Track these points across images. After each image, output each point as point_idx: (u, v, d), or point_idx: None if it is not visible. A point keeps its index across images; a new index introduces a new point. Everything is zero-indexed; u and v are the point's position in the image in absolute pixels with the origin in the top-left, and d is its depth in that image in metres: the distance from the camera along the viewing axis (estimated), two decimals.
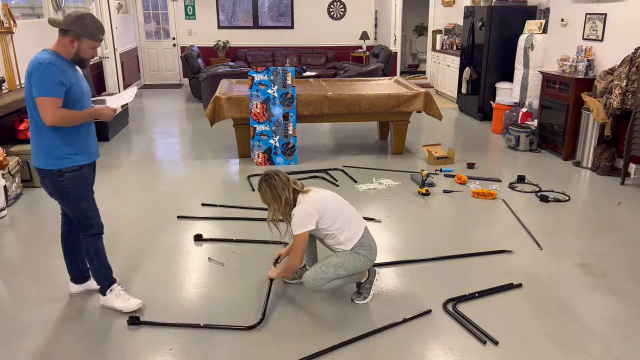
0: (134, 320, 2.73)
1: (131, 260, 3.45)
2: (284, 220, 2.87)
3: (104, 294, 2.88)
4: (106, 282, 2.87)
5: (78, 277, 3.01)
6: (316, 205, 2.77)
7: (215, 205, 4.37)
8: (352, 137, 6.77)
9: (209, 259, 3.45)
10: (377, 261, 3.45)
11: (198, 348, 2.55)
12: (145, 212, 4.28)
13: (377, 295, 3.01)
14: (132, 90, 3.05)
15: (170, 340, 2.61)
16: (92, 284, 3.02)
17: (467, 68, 7.90)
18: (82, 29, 2.53)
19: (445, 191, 4.74)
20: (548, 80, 6.04)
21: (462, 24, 8.32)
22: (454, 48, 9.30)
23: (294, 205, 2.80)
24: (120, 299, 2.85)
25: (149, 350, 2.54)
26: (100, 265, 2.84)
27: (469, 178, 5.03)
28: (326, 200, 2.83)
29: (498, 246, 3.65)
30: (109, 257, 2.88)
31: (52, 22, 2.59)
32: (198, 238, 3.74)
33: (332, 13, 11.33)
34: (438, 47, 9.90)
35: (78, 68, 2.68)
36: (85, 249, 2.82)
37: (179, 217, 4.13)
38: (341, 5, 11.28)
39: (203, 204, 4.38)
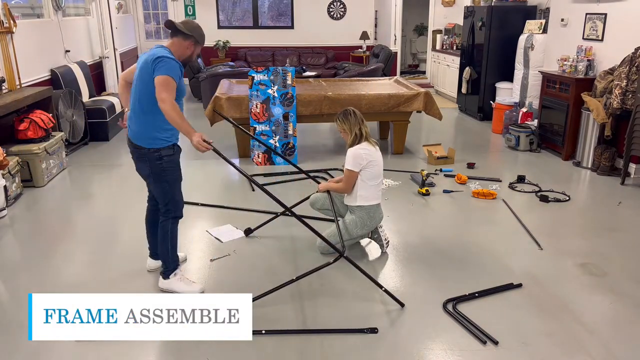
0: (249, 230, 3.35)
1: (131, 260, 3.45)
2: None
3: (166, 277, 3.03)
4: (173, 265, 3.04)
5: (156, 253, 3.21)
6: (369, 155, 3.32)
7: (197, 204, 4.36)
8: None
9: (211, 260, 3.45)
10: (376, 260, 3.46)
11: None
12: (145, 212, 4.26)
13: (378, 295, 3.01)
14: (235, 233, 3.39)
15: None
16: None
17: (467, 68, 7.90)
18: (200, 37, 2.87)
19: (445, 191, 4.74)
20: (548, 80, 6.04)
21: (462, 24, 8.32)
22: (454, 48, 9.30)
23: (357, 144, 3.35)
24: (183, 282, 3.03)
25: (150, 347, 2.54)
26: (172, 248, 3.01)
27: (469, 178, 5.03)
28: (377, 159, 3.37)
29: (498, 246, 3.66)
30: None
31: (169, 25, 2.83)
32: (248, 232, 3.80)
33: (332, 13, 11.32)
34: (438, 47, 9.90)
35: None
36: (162, 231, 2.99)
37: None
38: (341, 5, 11.28)
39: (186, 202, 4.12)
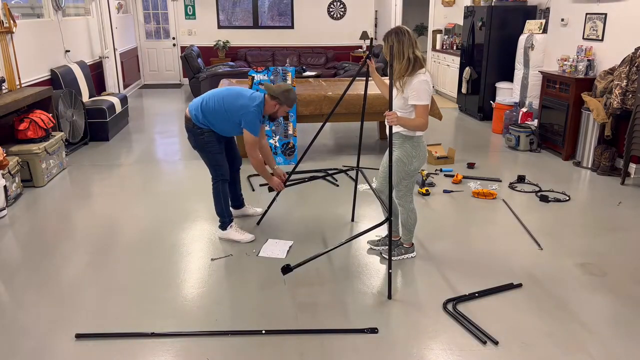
0: (287, 268, 2.93)
1: (131, 260, 3.45)
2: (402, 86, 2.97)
3: (224, 229, 3.67)
4: (228, 218, 3.69)
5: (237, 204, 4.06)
6: (430, 82, 2.93)
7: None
8: (352, 137, 6.77)
9: (212, 259, 3.45)
10: (376, 260, 3.46)
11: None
12: (145, 212, 4.28)
13: (377, 294, 3.01)
14: (284, 247, 3.59)
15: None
16: (247, 209, 4.13)
17: (467, 68, 7.90)
18: (285, 99, 3.44)
19: (445, 191, 4.74)
20: (548, 80, 6.04)
21: (462, 24, 8.32)
22: (454, 48, 9.29)
23: (410, 71, 2.91)
24: (238, 232, 3.67)
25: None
26: (225, 205, 3.66)
27: (464, 177, 5.02)
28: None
29: (498, 246, 3.66)
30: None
31: (266, 87, 3.53)
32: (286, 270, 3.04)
33: (332, 13, 11.33)
34: (438, 47, 9.90)
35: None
36: (215, 191, 3.65)
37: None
38: (341, 5, 11.28)
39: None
